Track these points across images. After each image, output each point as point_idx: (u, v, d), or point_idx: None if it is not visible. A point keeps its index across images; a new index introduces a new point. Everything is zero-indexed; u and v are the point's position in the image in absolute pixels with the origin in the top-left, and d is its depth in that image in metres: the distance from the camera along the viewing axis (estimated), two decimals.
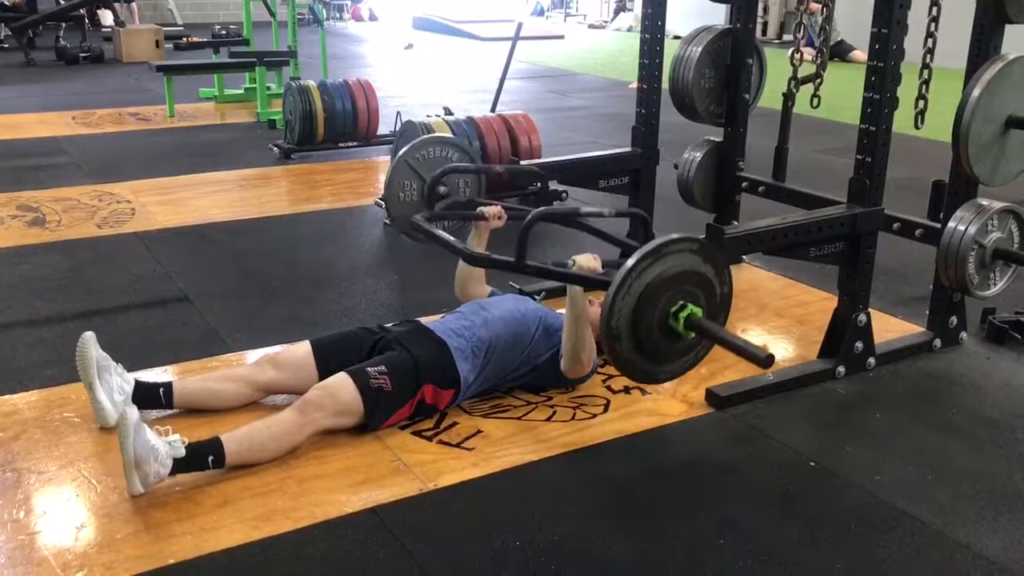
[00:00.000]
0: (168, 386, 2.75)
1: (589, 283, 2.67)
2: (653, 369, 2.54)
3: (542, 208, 2.77)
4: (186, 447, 2.37)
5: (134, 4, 13.60)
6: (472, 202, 3.28)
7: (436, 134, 3.51)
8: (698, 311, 2.43)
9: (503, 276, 2.79)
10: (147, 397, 2.72)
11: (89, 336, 2.67)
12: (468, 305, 3.04)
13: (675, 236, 2.42)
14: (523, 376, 2.92)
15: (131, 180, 5.55)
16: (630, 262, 2.37)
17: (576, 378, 2.89)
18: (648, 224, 2.88)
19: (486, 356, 2.82)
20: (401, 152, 3.33)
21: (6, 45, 12.00)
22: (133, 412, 2.31)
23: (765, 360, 2.32)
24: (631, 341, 2.44)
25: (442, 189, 3.28)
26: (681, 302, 2.42)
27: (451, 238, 2.84)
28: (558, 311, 3.00)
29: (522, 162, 3.90)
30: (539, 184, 3.32)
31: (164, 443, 2.34)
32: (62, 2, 12.78)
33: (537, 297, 3.32)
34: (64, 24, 11.87)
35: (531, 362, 2.89)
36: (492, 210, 3.13)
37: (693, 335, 2.44)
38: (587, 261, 2.75)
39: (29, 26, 11.62)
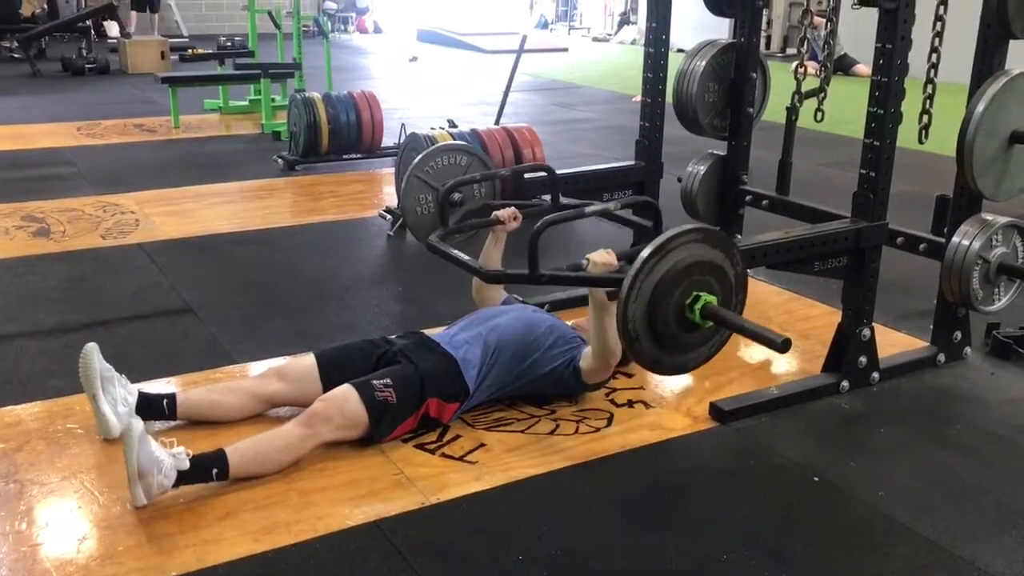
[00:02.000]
0: (171, 397, 2.76)
1: (606, 283, 2.62)
2: (679, 359, 2.51)
3: (549, 215, 2.74)
4: (190, 459, 2.37)
5: (155, 16, 13.70)
6: (487, 206, 3.26)
7: (441, 143, 3.51)
8: (712, 299, 2.39)
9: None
10: (150, 408, 2.72)
11: (92, 347, 2.67)
12: (478, 312, 3.05)
13: (678, 230, 2.38)
14: (529, 384, 2.89)
15: (135, 191, 5.57)
16: (636, 264, 2.34)
17: (595, 381, 2.86)
18: (658, 211, 2.79)
19: (492, 357, 2.82)
20: (411, 167, 3.32)
21: (16, 55, 12.05)
22: (138, 424, 2.32)
23: (782, 345, 2.29)
24: (651, 340, 2.41)
25: (456, 196, 3.26)
26: (695, 293, 2.40)
27: (466, 257, 2.82)
28: (568, 322, 3.03)
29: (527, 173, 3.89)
30: (549, 175, 3.29)
31: (168, 455, 2.34)
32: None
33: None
34: (67, 35, 11.91)
35: (537, 370, 2.86)
36: (506, 213, 3.11)
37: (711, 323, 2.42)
38: (601, 257, 2.69)
39: (36, 37, 11.66)
